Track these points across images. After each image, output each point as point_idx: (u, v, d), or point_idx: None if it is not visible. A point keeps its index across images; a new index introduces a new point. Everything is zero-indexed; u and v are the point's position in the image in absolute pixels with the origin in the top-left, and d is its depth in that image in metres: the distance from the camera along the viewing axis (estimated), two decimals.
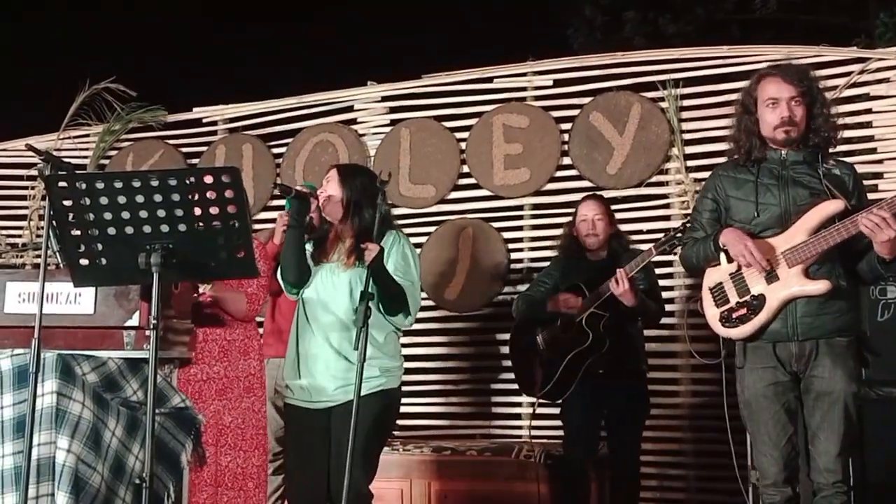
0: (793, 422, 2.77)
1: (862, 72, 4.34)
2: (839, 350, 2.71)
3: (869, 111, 4.35)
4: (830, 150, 2.88)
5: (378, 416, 2.91)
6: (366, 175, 3.19)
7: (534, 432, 4.21)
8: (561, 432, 3.98)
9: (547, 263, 4.74)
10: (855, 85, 4.36)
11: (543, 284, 3.98)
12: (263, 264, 3.37)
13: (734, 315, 2.79)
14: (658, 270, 4.48)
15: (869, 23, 10.32)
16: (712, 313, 2.87)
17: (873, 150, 4.33)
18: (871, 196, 4.20)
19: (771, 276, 2.75)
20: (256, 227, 5.34)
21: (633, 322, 3.85)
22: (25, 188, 5.67)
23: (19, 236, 5.60)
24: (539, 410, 4.28)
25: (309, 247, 3.15)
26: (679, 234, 3.58)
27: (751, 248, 2.71)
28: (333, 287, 3.01)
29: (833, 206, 2.71)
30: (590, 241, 3.87)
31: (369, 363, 2.79)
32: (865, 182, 4.34)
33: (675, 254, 3.88)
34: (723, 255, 2.83)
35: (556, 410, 4.09)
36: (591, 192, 4.15)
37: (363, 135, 5.27)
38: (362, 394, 2.65)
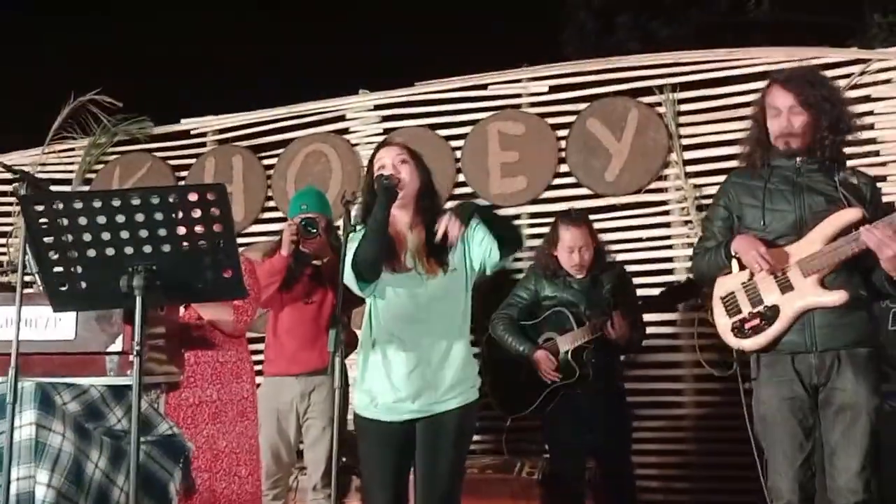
0: (809, 439, 2.66)
1: (863, 73, 4.25)
2: (861, 362, 2.61)
3: (871, 113, 4.25)
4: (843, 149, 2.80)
5: (470, 429, 2.82)
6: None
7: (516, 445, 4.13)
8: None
9: None
10: (856, 86, 4.27)
11: (521, 300, 3.85)
12: (250, 279, 3.27)
13: (747, 325, 2.70)
14: (660, 279, 4.42)
15: (863, 23, 10.28)
16: (724, 323, 2.78)
17: (876, 153, 4.24)
18: None
19: (785, 286, 2.66)
20: (248, 240, 5.25)
21: (616, 347, 3.76)
22: (10, 205, 5.55)
23: (4, 254, 5.48)
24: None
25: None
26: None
27: (763, 252, 2.63)
28: (417, 299, 2.71)
29: (851, 214, 2.63)
30: (574, 271, 3.75)
31: (468, 375, 2.73)
32: None
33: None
34: (735, 263, 2.74)
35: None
36: (569, 212, 3.95)
37: (356, 144, 5.17)
38: (458, 405, 2.68)
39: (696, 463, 4.35)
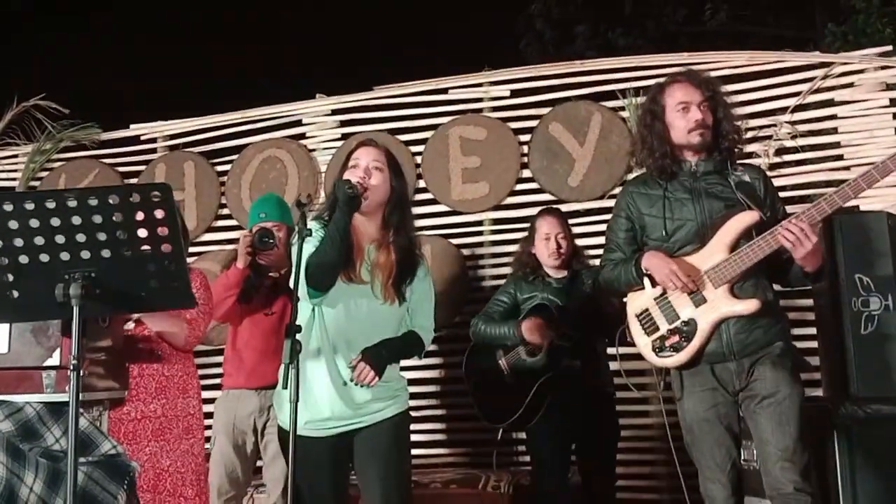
0: (737, 445, 2.71)
1: (826, 77, 4.23)
2: (776, 356, 2.66)
3: (834, 117, 4.24)
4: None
5: (408, 435, 2.76)
6: (405, 178, 2.77)
7: (504, 458, 3.99)
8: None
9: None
10: (819, 91, 4.26)
11: (501, 304, 3.74)
12: (204, 293, 3.12)
13: (667, 343, 2.71)
14: None
15: (815, 32, 10.45)
16: (644, 342, 2.77)
17: (840, 157, 4.22)
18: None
19: (698, 299, 2.68)
20: (201, 249, 5.07)
21: (601, 341, 3.65)
22: None
23: None
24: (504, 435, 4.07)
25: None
26: None
27: (676, 271, 2.65)
28: (368, 315, 2.61)
29: (748, 217, 2.67)
30: (553, 261, 3.66)
31: (399, 383, 2.70)
32: (834, 189, 4.26)
33: None
34: (647, 281, 2.73)
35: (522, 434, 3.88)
36: (547, 207, 3.91)
37: (313, 150, 5.02)
38: (392, 414, 2.63)
39: (664, 473, 4.27)
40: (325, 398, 2.57)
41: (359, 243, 2.64)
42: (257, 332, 3.51)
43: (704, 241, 2.69)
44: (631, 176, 4.49)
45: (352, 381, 2.55)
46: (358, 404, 2.59)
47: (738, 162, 2.82)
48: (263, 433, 3.50)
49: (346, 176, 2.61)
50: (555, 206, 4.13)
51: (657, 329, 2.73)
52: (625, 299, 2.91)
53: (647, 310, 2.76)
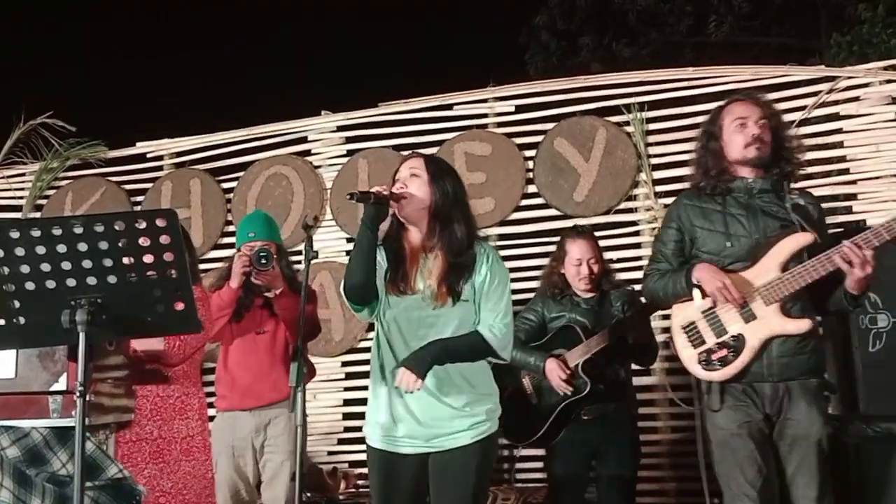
0: (766, 462, 2.64)
1: (831, 91, 4.23)
2: (812, 391, 2.64)
3: (840, 131, 4.23)
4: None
5: (487, 466, 2.60)
6: (457, 178, 2.65)
7: (516, 475, 3.95)
8: (544, 474, 3.73)
9: (515, 297, 4.56)
10: (824, 104, 4.25)
11: (528, 322, 3.67)
12: (204, 310, 3.11)
13: (714, 357, 2.67)
14: None
15: (820, 43, 10.44)
16: (689, 355, 2.73)
17: (846, 171, 4.21)
18: (846, 218, 4.12)
19: (748, 315, 2.65)
20: (206, 266, 5.07)
21: (627, 366, 3.62)
22: None
23: None
24: (522, 452, 4.04)
25: (381, 259, 2.56)
26: None
27: (729, 285, 2.61)
28: (427, 326, 2.53)
29: (804, 238, 2.64)
30: (584, 285, 3.60)
31: (473, 407, 2.52)
32: (840, 204, 4.26)
33: None
34: (696, 292, 2.70)
35: (539, 451, 3.85)
36: (576, 226, 3.84)
37: (318, 166, 5.04)
38: (470, 441, 2.49)
39: (672, 490, 4.25)
40: (393, 414, 2.53)
41: (414, 255, 2.58)
42: (250, 352, 3.48)
43: (756, 258, 2.66)
44: (637, 191, 4.51)
45: (396, 388, 2.48)
46: (426, 421, 2.51)
47: (794, 187, 2.80)
48: (262, 452, 3.48)
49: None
50: (548, 230, 4.04)
51: (703, 342, 2.70)
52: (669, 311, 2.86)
53: (693, 322, 2.72)
